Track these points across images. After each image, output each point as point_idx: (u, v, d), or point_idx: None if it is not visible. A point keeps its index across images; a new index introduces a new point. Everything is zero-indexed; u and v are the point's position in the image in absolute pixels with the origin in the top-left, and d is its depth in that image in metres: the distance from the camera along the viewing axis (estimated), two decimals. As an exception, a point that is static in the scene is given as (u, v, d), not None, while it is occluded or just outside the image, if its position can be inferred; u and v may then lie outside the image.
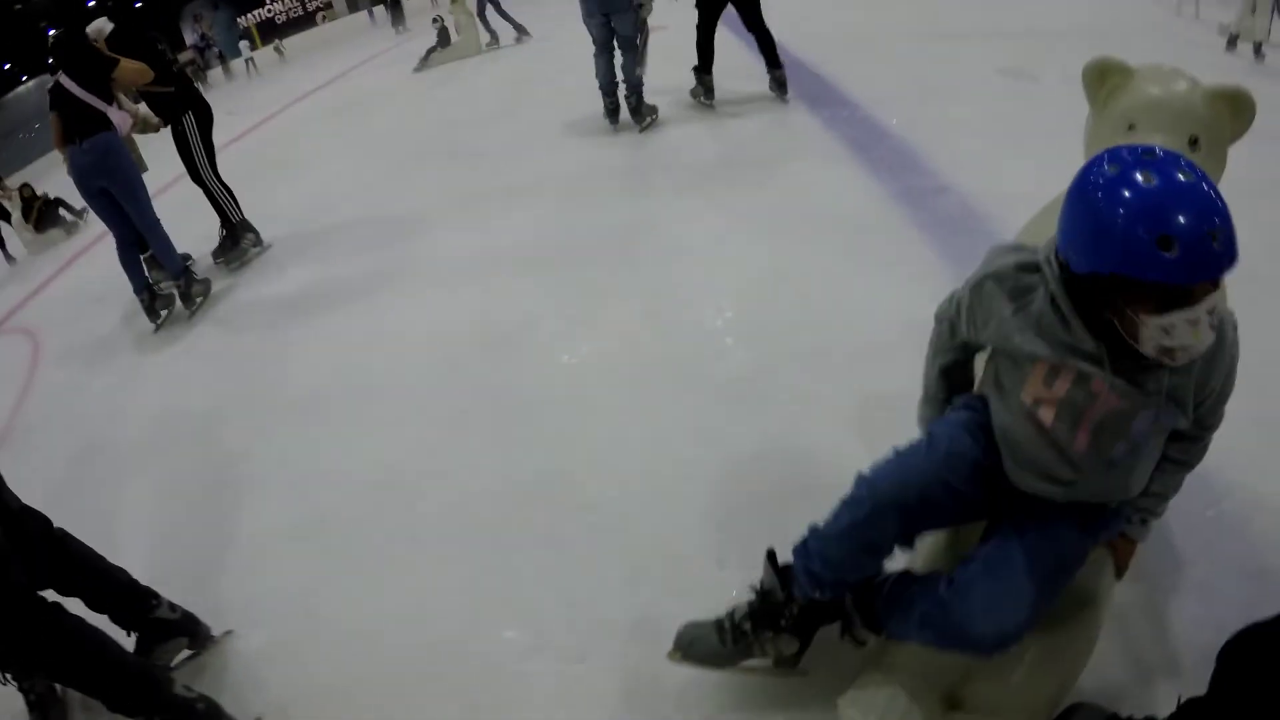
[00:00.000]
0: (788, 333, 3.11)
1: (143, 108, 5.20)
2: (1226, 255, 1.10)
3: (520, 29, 12.12)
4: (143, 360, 4.70)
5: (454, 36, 12.24)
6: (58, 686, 2.28)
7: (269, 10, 36.71)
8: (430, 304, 4.19)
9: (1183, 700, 1.38)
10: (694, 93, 6.15)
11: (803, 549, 1.61)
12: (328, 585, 2.51)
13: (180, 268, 4.96)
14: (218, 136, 5.58)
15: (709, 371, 3.01)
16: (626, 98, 5.94)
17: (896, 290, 3.16)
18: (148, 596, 2.25)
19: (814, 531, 1.60)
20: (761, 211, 4.18)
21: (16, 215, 10.41)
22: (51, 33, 4.95)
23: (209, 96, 5.63)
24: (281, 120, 11.85)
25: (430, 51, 12.01)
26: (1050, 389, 1.36)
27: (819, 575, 1.58)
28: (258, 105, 13.57)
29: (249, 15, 35.89)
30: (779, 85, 5.78)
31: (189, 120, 5.29)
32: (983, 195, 3.69)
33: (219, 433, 3.61)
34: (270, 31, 33.92)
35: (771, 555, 1.70)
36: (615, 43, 5.66)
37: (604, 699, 1.93)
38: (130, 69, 4.67)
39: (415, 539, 2.59)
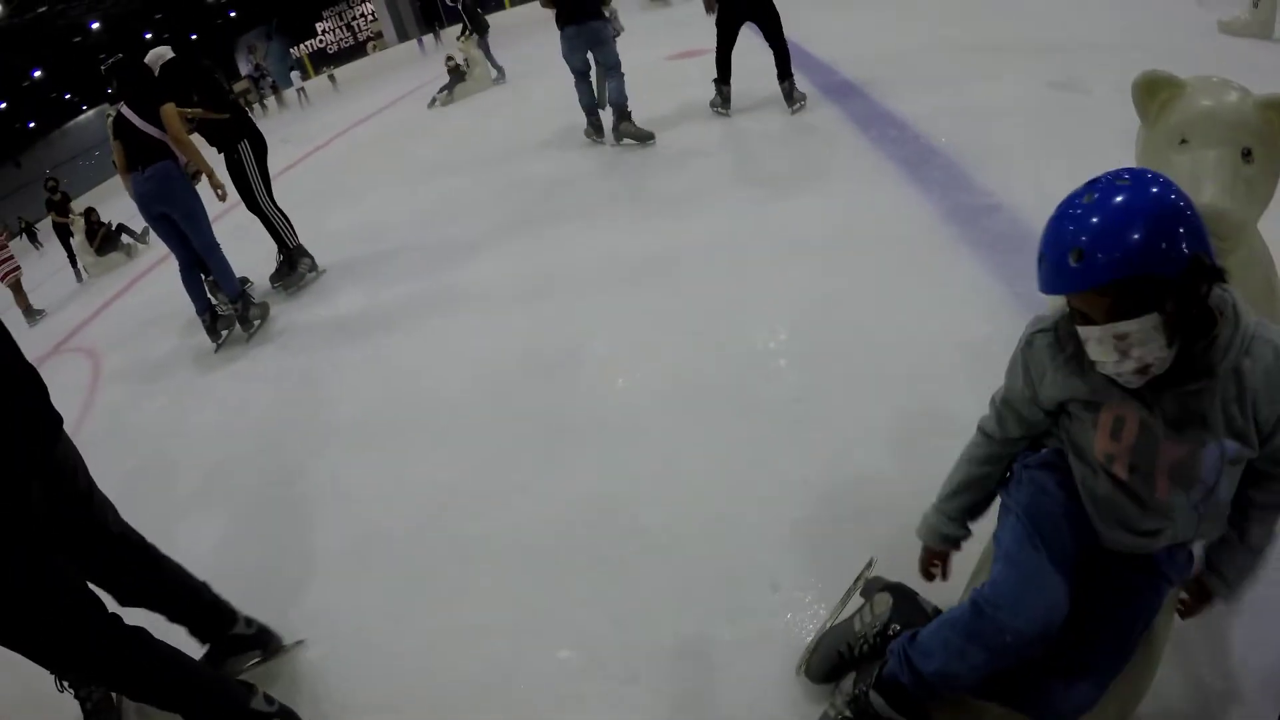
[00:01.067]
0: (840, 355, 3.08)
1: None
2: (1083, 274, 1.13)
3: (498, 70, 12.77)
4: (200, 380, 4.82)
5: (466, 72, 12.55)
6: (114, 694, 2.34)
7: (321, 40, 37.70)
8: (481, 328, 4.23)
9: None
10: (712, 103, 6.63)
11: (915, 676, 1.53)
12: (379, 604, 2.54)
13: (238, 291, 5.09)
14: (272, 164, 5.73)
15: (761, 394, 2.99)
16: (614, 117, 6.46)
17: (949, 311, 3.12)
18: (227, 614, 2.33)
19: (925, 654, 1.50)
20: (811, 232, 4.15)
21: (80, 238, 10.80)
22: (109, 62, 5.06)
23: (263, 125, 5.77)
24: (334, 148, 12.13)
25: (444, 89, 12.31)
26: (1119, 441, 1.30)
27: (938, 689, 1.52)
28: (311, 134, 13.92)
29: (301, 45, 36.89)
30: (789, 96, 6.27)
31: (245, 149, 5.45)
32: (1035, 212, 3.58)
33: (274, 451, 3.69)
34: (322, 61, 34.86)
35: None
36: (597, 69, 6.43)
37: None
38: (171, 115, 4.75)
39: (467, 559, 2.61)
